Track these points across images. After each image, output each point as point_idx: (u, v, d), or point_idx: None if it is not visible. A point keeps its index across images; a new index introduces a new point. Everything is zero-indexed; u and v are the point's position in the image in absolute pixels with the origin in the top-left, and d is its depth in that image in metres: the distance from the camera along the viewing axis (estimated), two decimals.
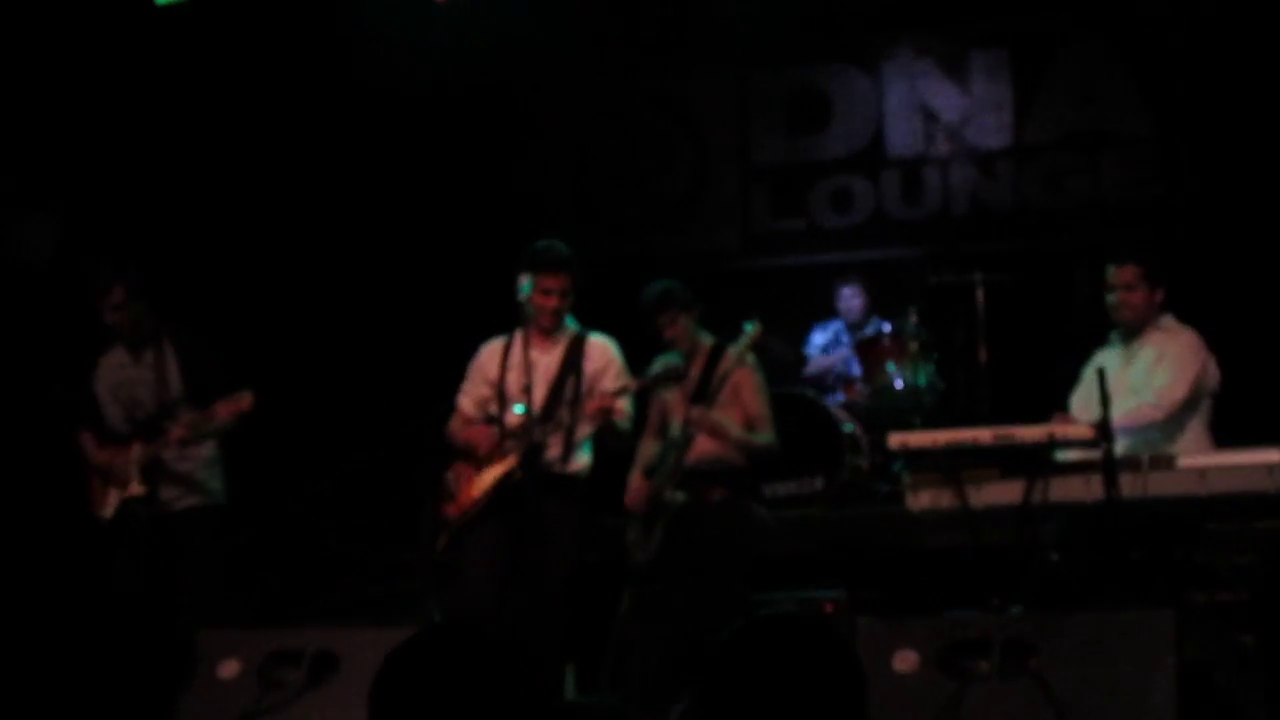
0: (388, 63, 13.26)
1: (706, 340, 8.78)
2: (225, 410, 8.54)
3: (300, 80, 13.19)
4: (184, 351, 9.02)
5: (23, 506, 11.03)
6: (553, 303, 8.29)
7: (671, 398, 8.80)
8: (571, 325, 8.51)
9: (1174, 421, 8.03)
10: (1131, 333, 8.32)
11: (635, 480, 8.87)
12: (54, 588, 10.15)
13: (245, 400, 8.52)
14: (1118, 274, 8.29)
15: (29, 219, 12.95)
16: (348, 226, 13.17)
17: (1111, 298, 8.30)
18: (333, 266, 12.99)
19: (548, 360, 8.39)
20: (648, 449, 8.94)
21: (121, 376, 9.07)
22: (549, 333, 8.42)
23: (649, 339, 8.93)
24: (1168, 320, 8.31)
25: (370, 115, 13.38)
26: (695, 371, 8.71)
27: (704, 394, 8.60)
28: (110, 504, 8.89)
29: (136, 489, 8.79)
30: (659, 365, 8.79)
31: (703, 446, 8.64)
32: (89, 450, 9.03)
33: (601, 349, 8.47)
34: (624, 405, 8.38)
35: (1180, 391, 8.05)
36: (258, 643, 7.07)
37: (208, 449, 9.03)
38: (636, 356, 8.84)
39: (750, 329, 8.67)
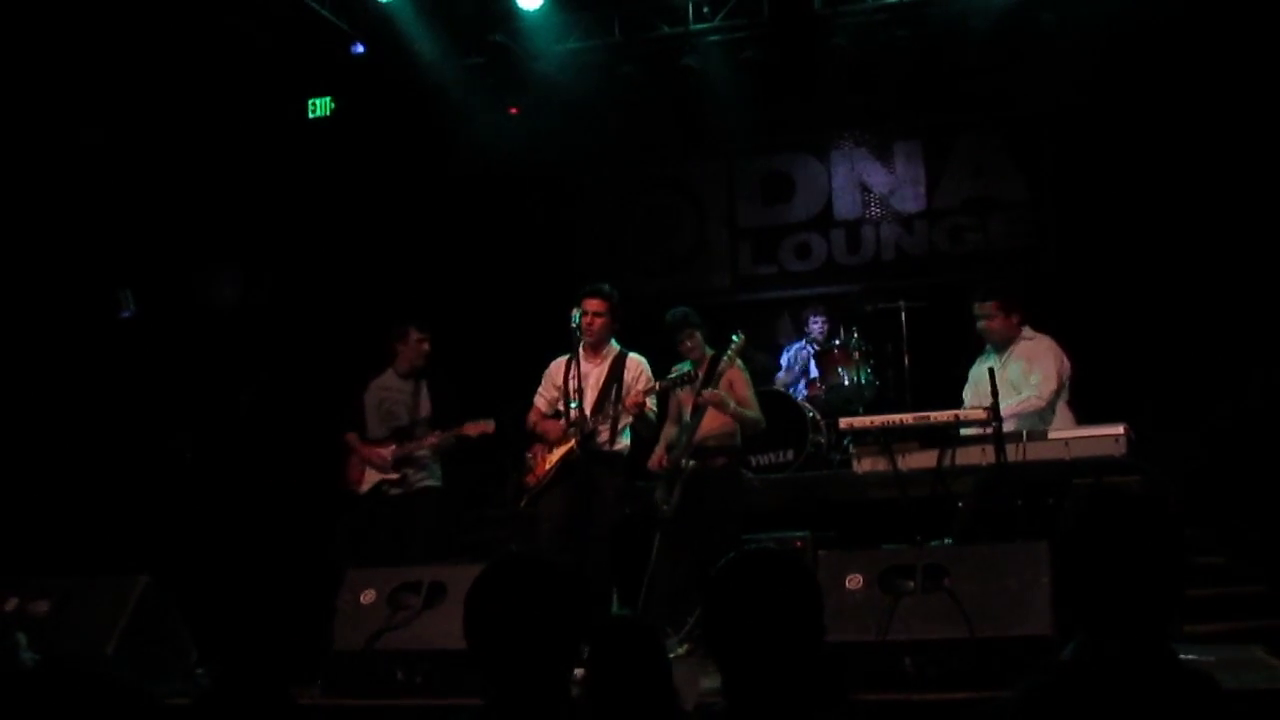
0: (476, 158, 13.31)
1: (709, 352, 8.76)
2: (472, 429, 8.95)
3: (412, 170, 13.24)
4: (434, 385, 9.38)
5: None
6: (594, 322, 8.55)
7: (683, 394, 8.79)
8: (615, 346, 8.73)
9: (1049, 407, 8.02)
10: (1001, 346, 8.31)
11: (659, 452, 8.87)
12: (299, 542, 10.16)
13: (490, 425, 8.97)
14: (981, 308, 8.35)
15: (220, 274, 12.99)
16: (448, 279, 13.17)
17: (980, 325, 8.34)
18: (440, 307, 12.99)
19: (597, 371, 8.65)
20: (669, 432, 8.93)
21: (384, 395, 9.37)
22: (597, 350, 8.67)
23: (667, 350, 8.97)
24: (1027, 331, 8.33)
25: (463, 196, 13.43)
26: (700, 374, 8.70)
27: (707, 387, 8.58)
28: (367, 482, 9.20)
29: (392, 474, 9.13)
30: (675, 372, 8.79)
31: (708, 427, 8.63)
32: (354, 445, 9.28)
33: (636, 364, 8.70)
34: (650, 402, 8.62)
35: (1052, 384, 8.06)
36: (388, 578, 7.05)
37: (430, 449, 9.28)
38: (658, 362, 8.95)
39: (737, 339, 8.69)
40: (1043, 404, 8.03)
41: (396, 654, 6.67)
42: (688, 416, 8.71)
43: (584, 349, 8.67)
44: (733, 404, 8.54)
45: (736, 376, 8.75)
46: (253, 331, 12.67)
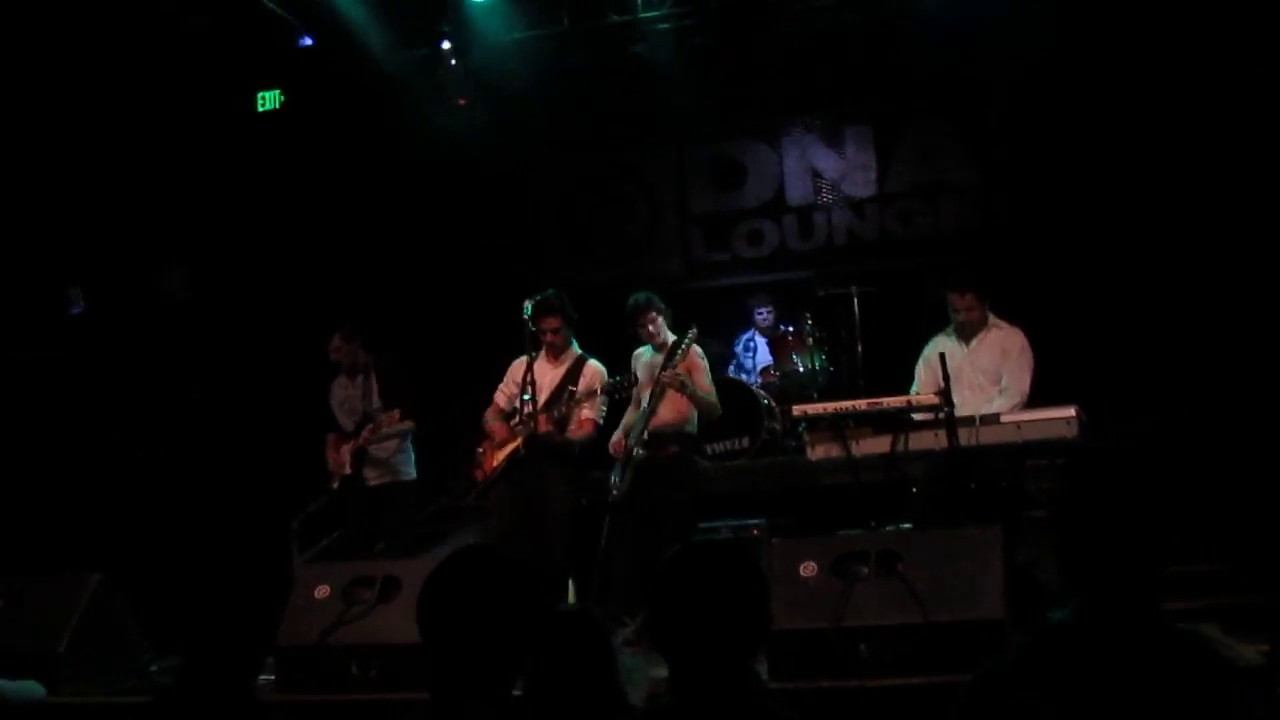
0: (427, 146, 13.24)
1: (670, 338, 8.74)
2: (388, 423, 9.16)
3: (362, 162, 13.15)
4: (382, 375, 9.45)
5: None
6: (550, 337, 8.72)
7: (642, 381, 8.77)
8: (576, 349, 8.88)
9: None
10: (971, 333, 8.31)
11: (618, 436, 8.86)
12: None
13: (408, 423, 9.27)
14: (961, 299, 8.31)
15: (169, 268, 12.90)
16: (401, 266, 13.11)
17: (958, 316, 8.32)
18: (393, 299, 12.95)
19: (555, 373, 8.76)
20: (629, 418, 8.90)
21: (343, 394, 9.56)
22: (557, 354, 8.80)
23: (622, 337, 9.02)
24: (994, 319, 8.35)
25: (415, 183, 13.33)
26: (660, 359, 8.69)
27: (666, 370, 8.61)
28: (335, 480, 9.42)
29: (348, 471, 9.30)
30: (634, 360, 8.90)
31: (662, 416, 8.59)
32: (329, 445, 9.44)
33: (593, 370, 8.80)
34: (599, 406, 8.77)
35: (1028, 381, 8.16)
36: (341, 572, 7.03)
37: (395, 443, 9.40)
38: (616, 346, 9.13)
39: (691, 331, 8.68)
40: (1023, 401, 8.09)
41: (350, 648, 6.65)
42: (645, 402, 8.68)
43: (545, 350, 8.81)
44: (691, 386, 8.52)
45: (695, 364, 8.73)
46: (203, 326, 12.59)
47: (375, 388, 9.37)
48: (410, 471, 9.45)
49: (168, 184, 12.56)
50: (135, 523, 10.53)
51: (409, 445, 9.44)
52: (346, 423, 9.45)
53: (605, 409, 8.81)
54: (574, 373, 8.73)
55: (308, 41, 12.88)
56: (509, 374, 8.92)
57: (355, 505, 9.38)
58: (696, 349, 8.72)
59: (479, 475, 8.77)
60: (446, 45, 12.93)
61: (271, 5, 12.18)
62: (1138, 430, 9.37)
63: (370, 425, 9.18)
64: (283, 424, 10.85)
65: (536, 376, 8.56)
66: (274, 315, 12.59)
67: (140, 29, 11.60)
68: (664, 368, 8.54)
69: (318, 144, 13.03)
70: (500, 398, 8.92)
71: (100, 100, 11.94)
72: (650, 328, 8.73)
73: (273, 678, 6.71)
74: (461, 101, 13.41)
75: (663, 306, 8.80)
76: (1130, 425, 9.31)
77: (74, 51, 11.46)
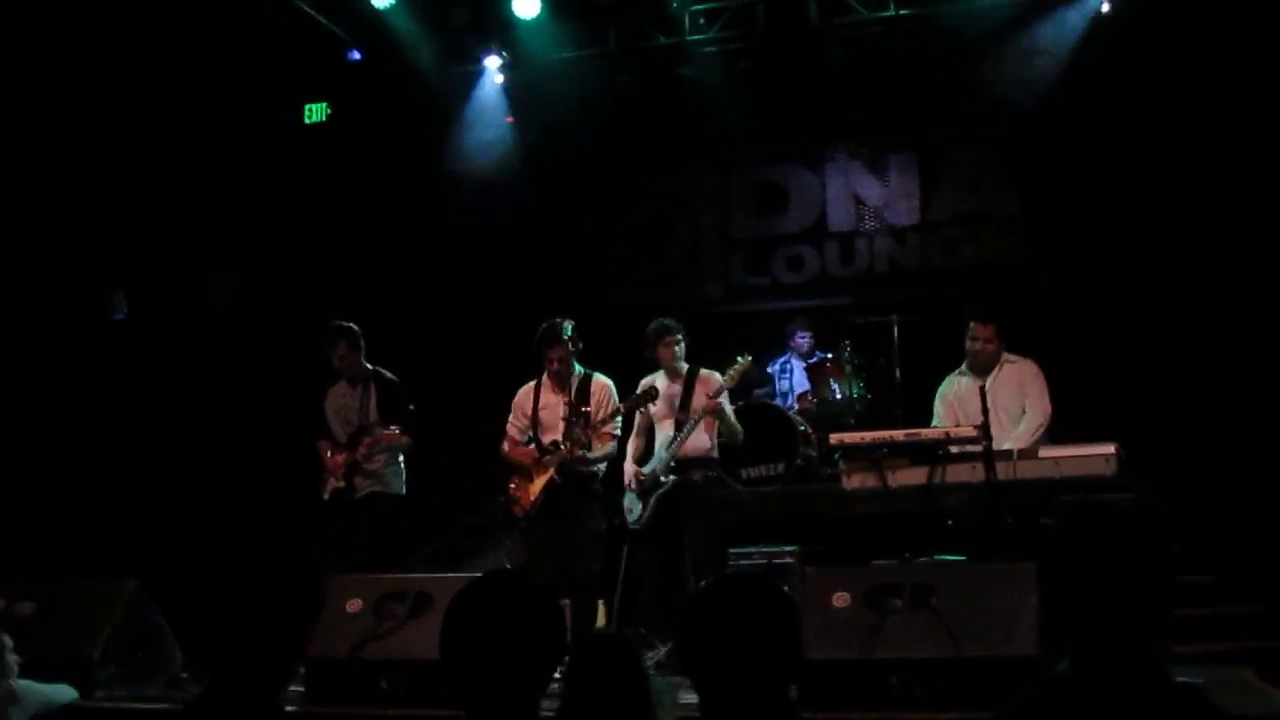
0: (470, 162, 13.29)
1: (684, 366, 8.80)
2: (387, 438, 9.01)
3: (405, 172, 13.19)
4: (382, 389, 9.30)
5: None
6: (556, 366, 8.61)
7: (658, 409, 8.81)
8: (579, 369, 8.74)
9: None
10: (986, 368, 8.30)
11: (630, 466, 8.88)
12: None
13: (404, 439, 9.08)
14: (982, 329, 8.32)
15: (214, 277, 12.97)
16: (441, 282, 13.16)
17: (975, 345, 8.30)
18: (432, 314, 13.00)
19: (562, 399, 8.61)
20: (635, 445, 8.95)
21: (340, 402, 9.37)
22: (562, 382, 8.66)
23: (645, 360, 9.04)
24: (1009, 355, 8.39)
25: (456, 199, 13.37)
26: (678, 387, 8.77)
27: (686, 404, 8.70)
28: (326, 490, 9.24)
29: (340, 482, 9.14)
30: (643, 384, 8.88)
31: (689, 445, 8.65)
32: (321, 453, 9.29)
33: (602, 386, 8.75)
34: (615, 426, 8.72)
35: (1048, 403, 8.14)
36: (374, 586, 7.06)
37: (388, 457, 9.23)
38: (653, 370, 9.05)
39: (741, 360, 8.77)
40: (1046, 424, 8.08)
41: (381, 663, 6.66)
42: (667, 431, 8.71)
43: (548, 378, 8.75)
44: (729, 415, 8.51)
45: (725, 396, 8.76)
46: (246, 336, 12.64)
47: (374, 400, 9.26)
48: (399, 487, 9.28)
49: (214, 193, 12.64)
50: (170, 530, 10.57)
51: (400, 460, 9.29)
52: (340, 431, 9.31)
53: (621, 420, 8.78)
54: (582, 392, 8.66)
55: (356, 56, 12.96)
56: (515, 407, 8.90)
57: (336, 515, 9.17)
58: (730, 383, 8.80)
59: (518, 512, 8.66)
60: (493, 62, 12.99)
61: (320, 18, 12.26)
62: (1175, 468, 9.32)
63: (368, 439, 9.07)
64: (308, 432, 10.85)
65: (546, 405, 8.66)
66: (314, 326, 12.64)
67: (192, 41, 11.68)
68: (685, 396, 8.67)
69: (362, 157, 13.10)
70: (513, 430, 8.88)
71: (150, 110, 12.02)
72: (674, 350, 8.77)
73: (302, 689, 6.73)
74: (509, 120, 13.46)
75: (680, 332, 8.84)
76: (1168, 462, 9.26)
77: (124, 62, 11.55)
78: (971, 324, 8.35)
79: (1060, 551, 2.88)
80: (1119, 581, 2.80)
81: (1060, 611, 2.88)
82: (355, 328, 9.35)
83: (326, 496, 9.22)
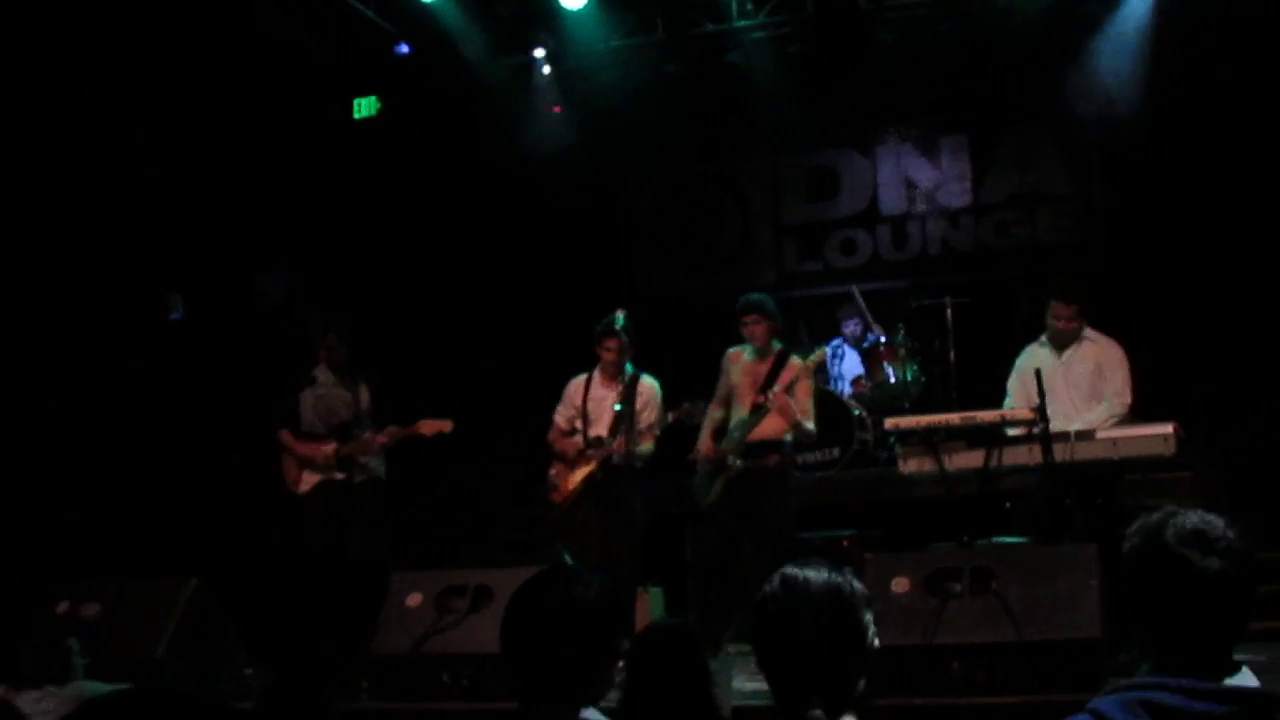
0: (520, 152, 13.33)
1: (776, 347, 8.71)
2: (428, 428, 8.71)
3: (456, 164, 13.24)
4: (372, 390, 9.18)
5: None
6: (611, 357, 8.72)
7: (740, 384, 8.71)
8: (629, 369, 8.81)
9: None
10: (1065, 344, 8.20)
11: (705, 440, 8.76)
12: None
13: (447, 425, 8.71)
14: (1064, 308, 8.16)
15: (265, 273, 13.05)
16: (495, 278, 13.21)
17: (1057, 324, 8.16)
18: (485, 306, 13.04)
19: (611, 394, 8.78)
20: (715, 415, 8.79)
21: (322, 393, 9.10)
22: (613, 375, 8.80)
23: (705, 346, 9.13)
24: (1090, 332, 8.21)
25: (507, 190, 13.41)
26: (765, 367, 8.66)
27: (770, 384, 8.55)
28: (306, 483, 8.91)
29: (338, 474, 8.87)
30: (729, 360, 8.85)
31: (763, 429, 8.54)
32: (289, 443, 8.98)
33: (649, 388, 8.82)
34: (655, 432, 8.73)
35: (1129, 394, 8.00)
36: (434, 580, 7.08)
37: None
38: (702, 349, 9.26)
39: (819, 350, 8.86)
40: (1124, 413, 7.95)
41: (442, 657, 6.68)
42: (743, 412, 8.65)
43: (601, 370, 8.85)
44: (797, 413, 8.45)
45: (805, 386, 8.64)
46: (297, 332, 12.70)
47: (366, 397, 9.11)
48: (382, 471, 9.09)
49: (266, 190, 12.71)
50: (230, 529, 10.65)
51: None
52: (317, 423, 9.02)
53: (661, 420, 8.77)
54: (630, 390, 8.71)
55: (404, 49, 13.00)
56: (566, 396, 8.97)
57: (327, 501, 8.88)
58: (812, 371, 8.71)
59: (557, 499, 8.76)
60: (541, 53, 13.02)
61: (369, 13, 12.31)
62: (1236, 444, 9.23)
63: (394, 429, 8.83)
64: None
65: (596, 398, 8.75)
66: (367, 322, 12.70)
67: (240, 37, 11.75)
68: (769, 382, 8.54)
69: (413, 151, 13.16)
70: (560, 419, 8.96)
71: (200, 106, 12.09)
72: (759, 329, 8.64)
73: (365, 684, 6.77)
74: (556, 109, 13.49)
75: (774, 312, 8.72)
76: (1229, 439, 9.18)
77: (176, 61, 11.62)
78: (1053, 302, 8.22)
79: (1134, 568, 2.83)
80: (1196, 600, 2.73)
81: (1136, 624, 2.83)
82: (345, 319, 9.33)
83: (305, 490, 8.90)
